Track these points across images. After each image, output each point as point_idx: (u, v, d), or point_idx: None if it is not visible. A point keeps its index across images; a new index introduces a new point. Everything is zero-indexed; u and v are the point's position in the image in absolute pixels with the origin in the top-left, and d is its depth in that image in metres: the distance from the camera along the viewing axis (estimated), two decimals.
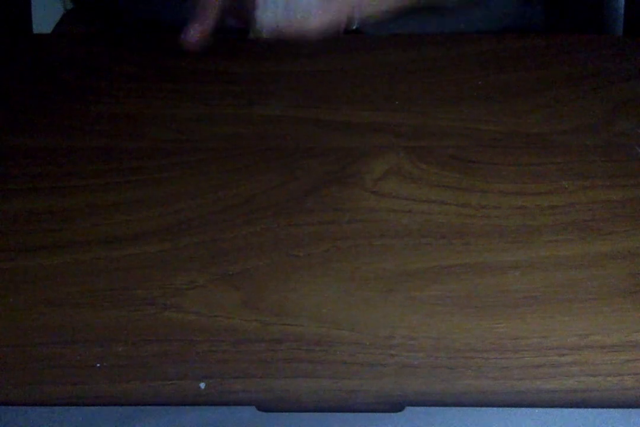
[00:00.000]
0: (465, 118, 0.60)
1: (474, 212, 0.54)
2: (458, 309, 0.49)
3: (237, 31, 0.72)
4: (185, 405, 0.45)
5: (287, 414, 0.45)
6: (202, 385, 0.46)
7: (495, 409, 0.45)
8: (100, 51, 0.65)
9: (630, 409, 0.45)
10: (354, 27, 0.55)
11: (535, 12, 0.72)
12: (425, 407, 0.45)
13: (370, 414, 0.45)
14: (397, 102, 0.61)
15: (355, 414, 0.45)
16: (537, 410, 0.45)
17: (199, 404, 0.46)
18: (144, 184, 0.56)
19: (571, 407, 0.45)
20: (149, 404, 0.45)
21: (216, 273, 0.51)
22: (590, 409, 0.45)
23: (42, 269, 0.51)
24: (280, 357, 0.47)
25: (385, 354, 0.47)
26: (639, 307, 0.49)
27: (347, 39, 0.66)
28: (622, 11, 0.83)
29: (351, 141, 0.58)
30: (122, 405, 0.45)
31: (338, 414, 0.45)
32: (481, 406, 0.45)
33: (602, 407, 0.45)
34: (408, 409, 0.45)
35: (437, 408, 0.45)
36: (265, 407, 0.45)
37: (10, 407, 0.45)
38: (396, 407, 0.45)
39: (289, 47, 0.64)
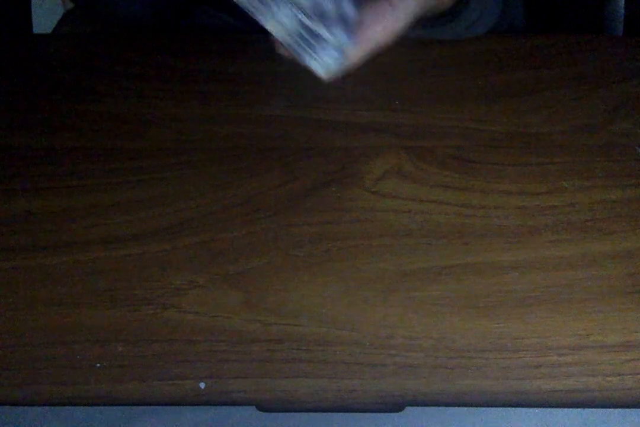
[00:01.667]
0: (465, 118, 0.60)
1: (474, 212, 0.54)
2: (458, 309, 0.49)
3: (237, 31, 0.72)
4: (185, 405, 0.45)
5: (287, 414, 0.45)
6: (202, 385, 0.46)
7: (495, 409, 0.45)
8: (100, 51, 0.65)
9: (630, 409, 0.45)
10: None
11: (515, 14, 0.72)
12: (425, 407, 0.45)
13: (370, 414, 0.45)
14: (397, 102, 0.61)
15: (355, 414, 0.45)
16: (537, 410, 0.45)
17: (199, 404, 0.46)
18: (144, 184, 0.56)
19: (571, 407, 0.45)
20: (149, 404, 0.45)
21: (216, 273, 0.51)
22: (590, 409, 0.45)
23: (42, 269, 0.51)
24: (280, 357, 0.47)
25: (385, 354, 0.47)
26: (639, 307, 0.49)
27: None
28: (622, 11, 0.83)
29: (351, 141, 0.58)
30: (122, 405, 0.45)
31: (338, 414, 0.45)
32: (481, 406, 0.45)
33: (602, 407, 0.45)
34: (408, 409, 0.45)
35: (437, 408, 0.45)
36: (265, 407, 0.45)
37: (10, 407, 0.45)
38: (396, 407, 0.45)
39: None
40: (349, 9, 0.47)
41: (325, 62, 0.47)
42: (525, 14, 0.74)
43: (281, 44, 0.47)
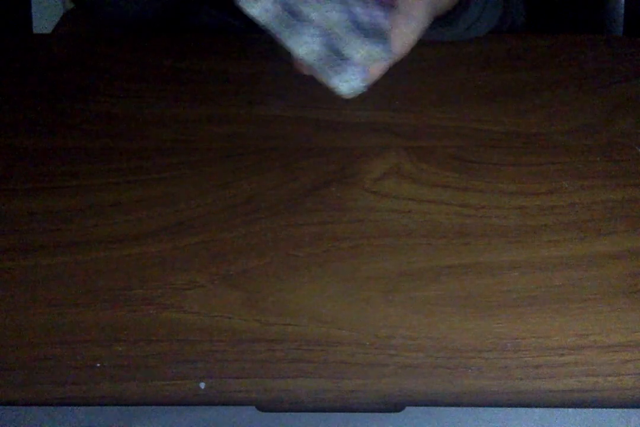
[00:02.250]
0: (465, 118, 0.60)
1: (474, 212, 0.54)
2: (458, 309, 0.49)
3: (237, 31, 0.72)
4: (185, 405, 0.45)
5: (287, 414, 0.45)
6: (202, 385, 0.46)
7: (495, 409, 0.45)
8: (100, 51, 0.65)
9: (630, 409, 0.45)
10: None
11: (516, 15, 0.72)
12: (425, 407, 0.45)
13: (370, 414, 0.45)
14: (397, 102, 0.61)
15: (355, 414, 0.45)
16: (537, 410, 0.45)
17: (199, 404, 0.46)
18: (144, 184, 0.56)
19: (571, 407, 0.45)
20: (149, 404, 0.45)
21: (216, 273, 0.51)
22: (590, 409, 0.45)
23: (42, 269, 0.51)
24: (280, 357, 0.47)
25: (385, 354, 0.47)
26: (639, 307, 0.49)
27: None
28: (622, 11, 0.83)
29: (351, 141, 0.58)
30: (122, 405, 0.45)
31: (338, 414, 0.45)
32: (481, 406, 0.45)
33: (602, 407, 0.45)
34: (408, 409, 0.45)
35: (437, 408, 0.45)
36: (265, 407, 0.45)
37: (10, 407, 0.45)
38: (396, 407, 0.45)
39: None
40: (381, 19, 0.47)
41: (349, 81, 0.48)
42: (526, 14, 0.74)
43: (304, 64, 0.47)
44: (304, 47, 0.46)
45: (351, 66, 0.48)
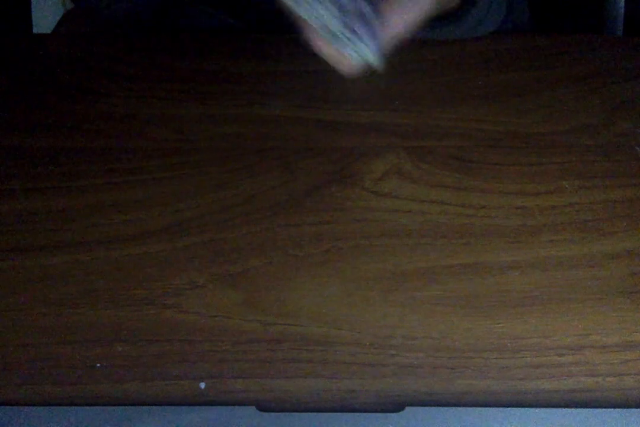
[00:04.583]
0: (465, 118, 0.60)
1: (474, 212, 0.54)
2: (458, 309, 0.49)
3: (237, 31, 0.72)
4: (185, 405, 0.45)
5: (287, 414, 0.45)
6: (202, 385, 0.46)
7: (495, 409, 0.45)
8: (100, 51, 0.65)
9: (630, 409, 0.45)
10: None
11: (520, 14, 0.72)
12: (425, 407, 0.45)
13: (370, 414, 0.45)
14: (397, 102, 0.61)
15: (355, 414, 0.45)
16: (537, 410, 0.45)
17: (199, 404, 0.46)
18: (144, 184, 0.56)
19: (571, 407, 0.45)
20: (149, 404, 0.45)
21: (216, 273, 0.51)
22: (590, 409, 0.45)
23: (42, 269, 0.51)
24: (280, 357, 0.47)
25: (385, 354, 0.47)
26: (639, 307, 0.49)
27: None
28: (622, 11, 0.83)
29: (351, 141, 0.58)
30: (122, 405, 0.45)
31: (338, 414, 0.45)
32: (481, 406, 0.45)
33: (602, 407, 0.45)
34: (408, 409, 0.45)
35: (437, 408, 0.45)
36: (265, 407, 0.45)
37: (10, 407, 0.45)
38: (396, 407, 0.45)
39: (289, 47, 0.64)
40: (364, 6, 0.48)
41: (363, 51, 0.48)
42: (530, 14, 0.74)
43: (320, 38, 0.48)
44: (319, 19, 0.47)
45: (362, 38, 0.48)
